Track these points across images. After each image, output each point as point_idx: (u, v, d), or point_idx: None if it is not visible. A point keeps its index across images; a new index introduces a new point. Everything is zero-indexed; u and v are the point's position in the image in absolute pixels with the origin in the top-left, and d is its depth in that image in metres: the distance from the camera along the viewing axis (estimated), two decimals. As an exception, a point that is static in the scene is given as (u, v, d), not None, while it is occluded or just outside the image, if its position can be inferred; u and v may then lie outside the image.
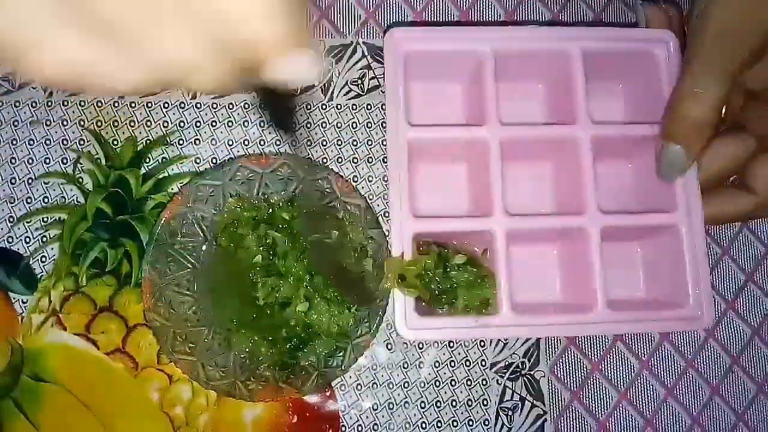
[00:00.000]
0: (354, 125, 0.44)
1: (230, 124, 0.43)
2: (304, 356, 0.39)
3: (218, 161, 0.43)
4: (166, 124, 0.43)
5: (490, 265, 0.37)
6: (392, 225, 0.36)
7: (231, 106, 0.43)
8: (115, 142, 0.43)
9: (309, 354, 0.39)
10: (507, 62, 0.38)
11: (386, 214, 0.43)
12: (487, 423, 0.41)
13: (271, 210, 0.41)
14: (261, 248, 0.40)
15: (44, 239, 0.42)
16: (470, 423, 0.41)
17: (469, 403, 0.41)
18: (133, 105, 0.43)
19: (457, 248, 0.39)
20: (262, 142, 0.43)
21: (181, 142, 0.43)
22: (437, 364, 0.42)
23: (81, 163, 0.42)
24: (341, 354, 0.39)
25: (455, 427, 0.41)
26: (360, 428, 0.41)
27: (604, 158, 0.39)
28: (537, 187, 0.43)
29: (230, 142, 0.43)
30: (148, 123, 0.43)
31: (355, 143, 0.44)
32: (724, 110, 0.38)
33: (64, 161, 0.42)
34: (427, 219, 0.37)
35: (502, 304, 0.36)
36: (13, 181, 0.42)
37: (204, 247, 0.40)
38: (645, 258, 0.42)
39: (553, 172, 0.43)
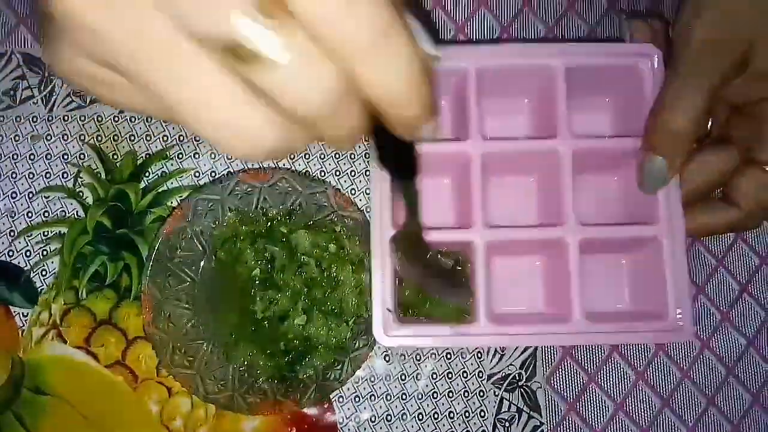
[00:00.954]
0: (351, 139, 0.44)
1: (229, 138, 0.44)
2: (302, 369, 0.39)
3: (217, 175, 0.43)
4: (165, 139, 0.44)
5: (471, 275, 0.38)
6: (372, 234, 0.36)
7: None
8: (115, 157, 0.43)
9: (307, 367, 0.39)
10: (491, 78, 0.39)
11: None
12: (484, 434, 0.42)
13: (269, 224, 0.41)
14: (259, 262, 0.40)
15: (45, 253, 0.42)
16: (467, 434, 0.42)
17: (467, 414, 0.42)
18: (132, 120, 0.44)
19: (441, 257, 0.39)
20: (260, 156, 0.44)
21: (180, 156, 0.43)
22: (434, 376, 0.42)
23: (81, 178, 0.43)
24: (339, 367, 0.39)
25: (453, 438, 0.41)
26: (358, 440, 0.41)
27: (587, 171, 0.40)
28: (521, 200, 0.43)
29: (229, 157, 0.44)
30: (148, 137, 0.44)
31: (352, 157, 0.44)
32: (709, 124, 0.39)
33: (65, 175, 0.43)
34: None
35: (479, 314, 0.36)
36: (14, 195, 0.43)
37: (203, 262, 0.41)
38: (629, 270, 0.43)
39: (536, 185, 0.43)
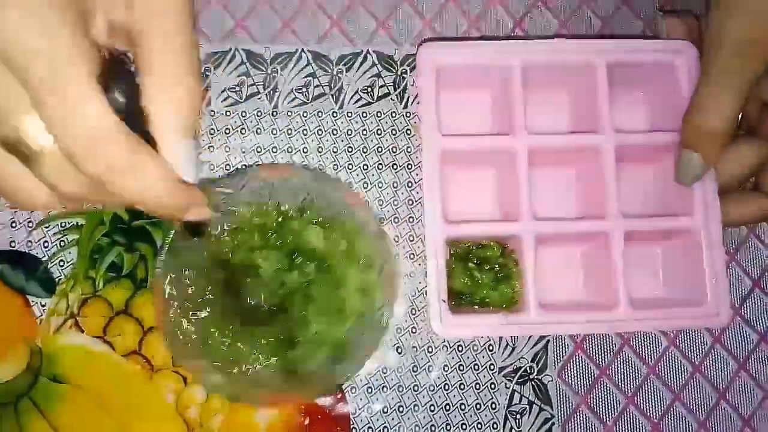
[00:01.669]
0: (364, 132, 0.45)
1: (243, 131, 0.44)
2: (309, 364, 0.40)
3: (231, 168, 0.44)
4: (180, 132, 0.44)
5: (517, 264, 0.40)
6: (426, 230, 0.38)
7: (244, 114, 0.44)
8: (132, 149, 0.44)
9: (314, 361, 0.40)
10: (534, 73, 0.40)
11: (395, 221, 0.44)
12: (495, 426, 0.42)
13: (280, 219, 0.41)
14: (270, 256, 0.40)
15: (62, 244, 0.43)
16: (479, 426, 0.42)
17: (478, 406, 0.42)
18: (148, 113, 0.44)
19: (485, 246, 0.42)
20: (274, 150, 0.44)
21: (195, 149, 0.44)
22: (446, 368, 0.42)
23: (98, 170, 0.43)
24: (346, 362, 0.39)
25: (464, 430, 0.42)
26: (370, 430, 0.41)
27: (626, 164, 0.41)
28: (561, 192, 0.44)
29: (243, 150, 0.44)
30: (164, 130, 0.44)
31: (365, 150, 0.44)
32: (739, 116, 0.39)
33: (82, 168, 0.43)
34: (460, 224, 0.39)
35: (530, 303, 0.38)
36: (32, 187, 0.43)
37: (214, 255, 0.41)
38: (665, 259, 0.44)
39: (577, 177, 0.44)
